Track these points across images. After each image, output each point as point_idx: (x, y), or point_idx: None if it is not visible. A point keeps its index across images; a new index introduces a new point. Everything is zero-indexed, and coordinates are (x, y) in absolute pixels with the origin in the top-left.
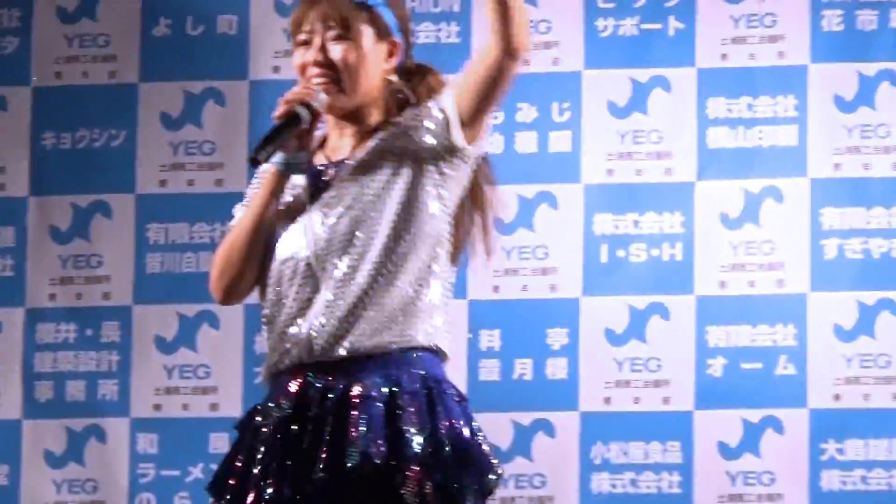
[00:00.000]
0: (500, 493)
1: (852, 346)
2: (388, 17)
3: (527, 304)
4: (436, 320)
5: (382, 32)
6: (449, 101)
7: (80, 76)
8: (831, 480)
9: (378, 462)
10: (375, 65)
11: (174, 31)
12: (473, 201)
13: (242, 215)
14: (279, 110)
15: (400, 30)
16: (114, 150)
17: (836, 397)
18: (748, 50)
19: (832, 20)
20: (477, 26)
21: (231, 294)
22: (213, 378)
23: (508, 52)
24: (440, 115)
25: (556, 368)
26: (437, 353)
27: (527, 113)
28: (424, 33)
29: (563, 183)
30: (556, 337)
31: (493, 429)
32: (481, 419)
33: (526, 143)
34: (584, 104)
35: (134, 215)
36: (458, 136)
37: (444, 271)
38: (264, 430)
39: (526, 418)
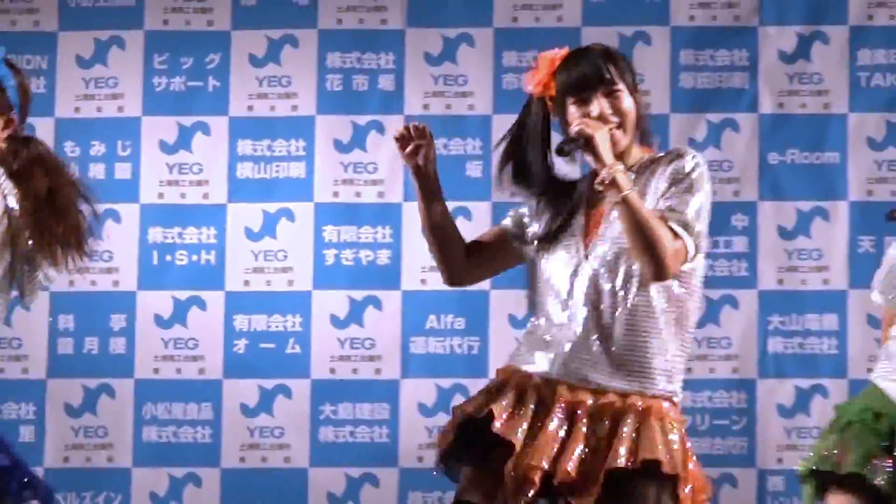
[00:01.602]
0: (64, 441)
1: (345, 331)
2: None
3: (95, 295)
4: None
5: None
6: None
7: None
8: (327, 434)
9: None
10: None
11: None
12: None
13: None
14: None
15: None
16: None
17: (332, 370)
18: (269, 103)
19: (334, 82)
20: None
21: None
22: None
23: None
24: None
25: (117, 345)
26: None
27: (98, 148)
28: None
29: (125, 202)
30: (117, 321)
31: (68, 391)
32: (60, 384)
33: (97, 171)
34: (142, 142)
35: None
36: None
37: None
38: None
39: (92, 383)
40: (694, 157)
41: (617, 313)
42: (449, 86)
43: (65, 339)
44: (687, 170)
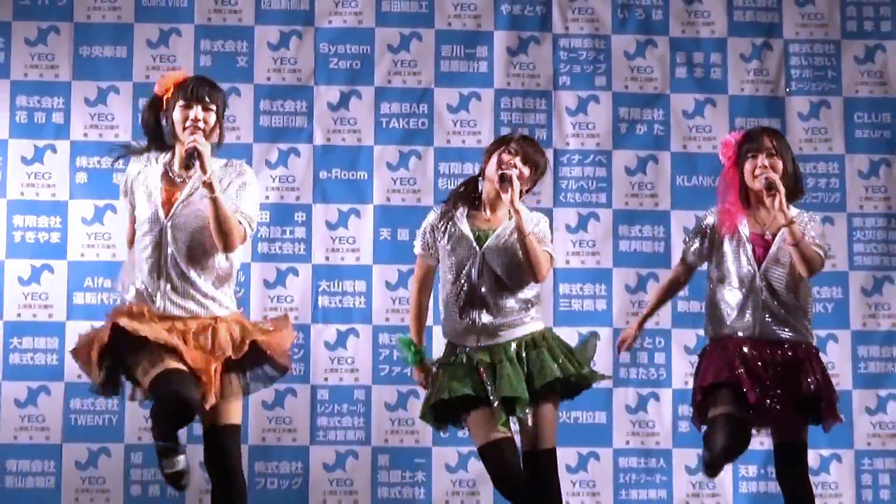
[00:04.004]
0: None
1: (28, 288)
2: None
3: None
4: None
5: None
6: None
7: None
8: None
9: None
10: None
11: None
12: None
13: None
14: None
15: None
16: None
17: (19, 315)
18: None
19: (22, 116)
20: None
21: None
22: None
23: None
24: None
25: None
26: None
27: None
28: None
29: None
30: None
31: None
32: None
33: None
34: None
35: None
36: None
37: None
38: None
39: None
40: None
41: None
42: (102, 121)
43: None
44: None
